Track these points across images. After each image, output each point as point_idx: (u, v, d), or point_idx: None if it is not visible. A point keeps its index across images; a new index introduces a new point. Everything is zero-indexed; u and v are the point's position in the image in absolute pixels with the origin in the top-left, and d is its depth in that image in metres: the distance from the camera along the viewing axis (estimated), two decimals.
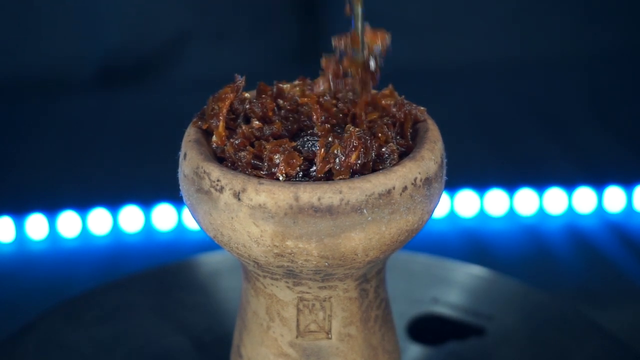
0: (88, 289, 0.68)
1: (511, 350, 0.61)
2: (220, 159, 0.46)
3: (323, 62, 0.45)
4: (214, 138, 0.46)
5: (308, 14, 1.28)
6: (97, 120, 1.19)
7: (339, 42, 0.44)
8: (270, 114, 0.46)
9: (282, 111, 0.47)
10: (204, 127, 0.47)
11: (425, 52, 1.28)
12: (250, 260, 0.45)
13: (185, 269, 0.70)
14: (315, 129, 0.45)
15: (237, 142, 0.44)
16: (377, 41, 0.43)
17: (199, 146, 0.45)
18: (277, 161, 0.43)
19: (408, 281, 0.67)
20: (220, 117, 0.46)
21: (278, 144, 0.43)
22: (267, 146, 0.43)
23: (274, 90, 0.47)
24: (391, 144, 0.44)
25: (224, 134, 0.45)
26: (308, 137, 0.45)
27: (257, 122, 0.45)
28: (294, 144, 0.44)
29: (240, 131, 0.45)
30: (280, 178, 0.43)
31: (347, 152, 0.43)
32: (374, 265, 0.47)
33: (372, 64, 0.44)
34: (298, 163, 0.43)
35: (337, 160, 0.43)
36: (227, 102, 0.46)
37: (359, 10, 0.42)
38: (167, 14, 1.25)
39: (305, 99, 0.46)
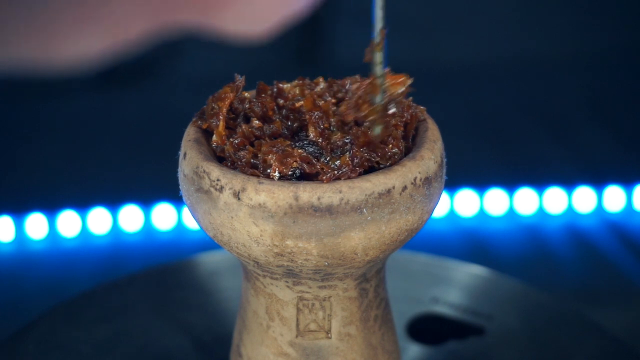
0: (88, 289, 0.68)
1: (511, 350, 0.61)
2: (220, 158, 0.46)
3: (341, 109, 0.43)
4: (214, 137, 0.46)
5: (308, 14, 1.28)
6: (97, 120, 1.19)
7: (357, 89, 0.43)
8: (271, 113, 0.46)
9: (284, 110, 0.47)
10: (204, 126, 0.47)
11: (425, 52, 1.28)
12: (250, 260, 0.45)
13: (185, 269, 0.70)
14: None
15: (236, 141, 0.45)
16: (398, 86, 0.42)
17: (198, 146, 0.45)
18: (271, 162, 0.43)
19: (408, 281, 0.67)
20: (220, 117, 0.46)
21: (272, 145, 0.43)
22: (263, 147, 0.43)
23: (274, 90, 0.47)
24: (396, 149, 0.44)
25: (224, 133, 0.45)
26: (307, 138, 0.45)
27: (257, 122, 0.45)
28: (288, 142, 0.44)
29: (240, 131, 0.45)
30: (276, 175, 0.42)
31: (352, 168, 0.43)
32: (374, 265, 0.47)
33: (392, 109, 0.42)
34: (292, 161, 0.43)
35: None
36: (227, 102, 0.46)
37: (379, 57, 0.41)
38: None
39: (302, 102, 0.46)
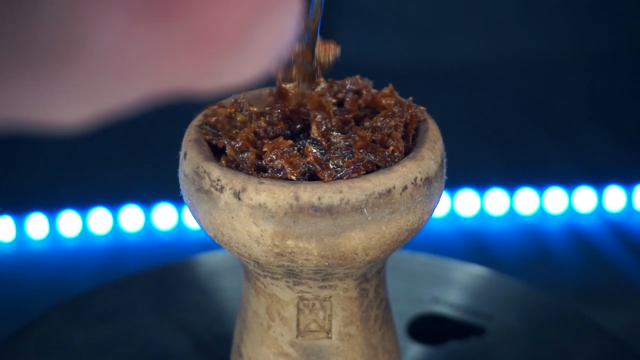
0: (88, 289, 0.68)
1: (511, 350, 0.61)
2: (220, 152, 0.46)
3: (273, 67, 0.46)
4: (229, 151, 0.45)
5: (308, 14, 1.28)
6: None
7: (289, 51, 0.45)
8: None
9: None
10: (220, 145, 0.46)
11: (425, 52, 1.28)
12: (250, 260, 0.45)
13: (185, 269, 0.70)
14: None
15: (238, 145, 0.44)
16: (328, 54, 0.45)
17: (199, 146, 0.45)
18: (280, 165, 0.43)
19: (408, 281, 0.67)
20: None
21: (275, 146, 0.43)
22: (266, 149, 0.43)
23: (275, 90, 0.48)
24: (397, 153, 0.44)
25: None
26: (307, 138, 0.45)
27: (263, 123, 0.45)
28: (289, 142, 0.44)
29: (242, 134, 0.45)
30: (294, 178, 0.43)
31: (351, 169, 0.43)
32: (374, 265, 0.47)
33: (319, 74, 0.46)
34: (301, 162, 0.43)
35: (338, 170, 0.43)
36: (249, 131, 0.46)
37: (315, 27, 0.44)
38: None
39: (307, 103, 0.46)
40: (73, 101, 0.21)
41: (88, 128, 0.23)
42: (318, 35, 0.44)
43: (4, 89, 0.19)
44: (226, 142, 0.45)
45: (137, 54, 0.20)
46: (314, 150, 0.43)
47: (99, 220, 0.97)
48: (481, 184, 1.03)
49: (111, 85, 0.21)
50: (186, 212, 0.98)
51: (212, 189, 0.43)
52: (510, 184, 1.03)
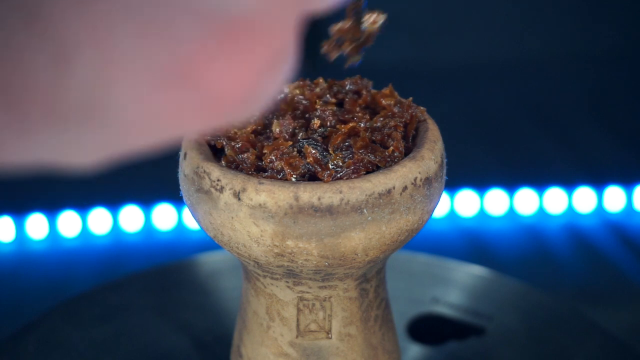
0: (88, 289, 0.68)
1: (511, 350, 0.61)
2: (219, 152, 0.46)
3: (325, 49, 0.46)
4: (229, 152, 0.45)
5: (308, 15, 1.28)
6: None
7: (339, 31, 0.46)
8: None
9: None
10: (219, 145, 0.46)
11: (425, 52, 1.28)
12: (250, 260, 0.45)
13: (185, 269, 0.70)
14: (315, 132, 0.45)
15: (238, 145, 0.44)
16: (375, 24, 0.45)
17: (199, 146, 0.45)
18: (279, 166, 0.43)
19: (408, 281, 0.67)
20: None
21: (275, 147, 0.43)
22: (266, 150, 0.43)
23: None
24: (397, 153, 0.44)
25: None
26: (307, 137, 0.45)
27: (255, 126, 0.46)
28: (288, 143, 0.44)
29: (242, 135, 0.45)
30: (294, 179, 0.43)
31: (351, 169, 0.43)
32: (374, 265, 0.47)
33: (368, 44, 0.46)
34: (300, 163, 0.43)
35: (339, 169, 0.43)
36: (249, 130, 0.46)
37: (360, 5, 0.44)
38: None
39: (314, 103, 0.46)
40: (90, 151, 0.23)
41: (100, 170, 0.25)
42: (364, 10, 0.45)
43: (31, 138, 0.22)
44: (225, 143, 0.45)
45: (154, 113, 0.22)
46: (314, 151, 0.43)
47: (99, 220, 0.97)
48: (481, 184, 1.03)
49: (127, 139, 0.23)
50: (186, 212, 0.98)
51: (212, 189, 0.43)
52: (510, 184, 1.03)
